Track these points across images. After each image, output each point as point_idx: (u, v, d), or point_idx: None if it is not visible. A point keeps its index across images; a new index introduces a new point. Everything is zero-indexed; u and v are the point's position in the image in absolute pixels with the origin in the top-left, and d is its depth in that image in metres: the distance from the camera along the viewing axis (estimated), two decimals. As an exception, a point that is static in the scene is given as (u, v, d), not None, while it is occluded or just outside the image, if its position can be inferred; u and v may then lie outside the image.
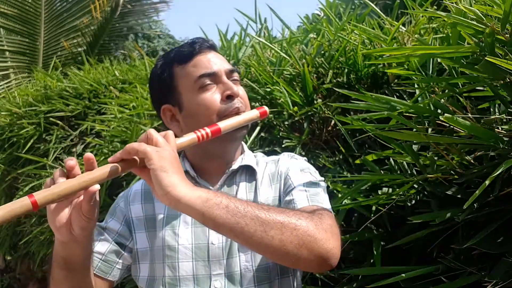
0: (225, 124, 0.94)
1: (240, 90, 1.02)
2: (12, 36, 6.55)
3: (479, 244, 0.89)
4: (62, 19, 6.51)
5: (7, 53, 6.51)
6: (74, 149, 2.64)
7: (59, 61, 4.63)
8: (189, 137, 0.88)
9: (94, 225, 0.81)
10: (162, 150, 0.79)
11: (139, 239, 1.01)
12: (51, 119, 2.71)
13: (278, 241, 0.77)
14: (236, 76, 1.04)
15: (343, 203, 1.17)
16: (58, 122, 2.69)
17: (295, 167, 1.03)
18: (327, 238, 0.81)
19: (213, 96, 0.98)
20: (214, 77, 0.99)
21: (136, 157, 0.80)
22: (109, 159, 0.79)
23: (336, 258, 0.82)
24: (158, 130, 0.85)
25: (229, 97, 0.99)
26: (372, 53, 1.35)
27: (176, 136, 0.88)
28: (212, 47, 1.04)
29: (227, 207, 0.77)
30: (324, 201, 0.95)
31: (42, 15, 6.34)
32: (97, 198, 0.79)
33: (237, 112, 0.98)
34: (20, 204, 0.68)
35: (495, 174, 0.77)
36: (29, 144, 2.66)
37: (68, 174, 0.76)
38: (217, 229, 0.79)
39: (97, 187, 0.75)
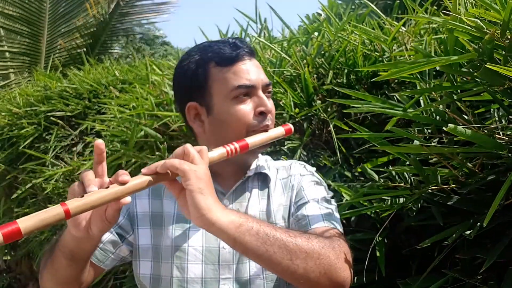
0: (253, 140, 0.94)
1: (270, 104, 1.01)
2: (17, 37, 6.59)
3: (485, 253, 0.88)
4: (65, 20, 6.54)
5: (7, 53, 6.54)
6: (74, 148, 2.64)
7: (60, 62, 4.65)
8: (219, 152, 0.88)
9: (111, 227, 0.82)
10: (199, 169, 0.78)
11: (142, 235, 1.00)
12: (51, 118, 2.71)
13: (302, 269, 0.80)
14: (270, 89, 1.03)
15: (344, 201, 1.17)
16: (59, 121, 2.69)
17: (309, 179, 1.03)
18: (345, 267, 0.84)
19: (247, 109, 0.97)
20: (251, 89, 0.98)
21: (168, 172, 0.80)
22: (143, 171, 0.79)
23: (349, 284, 0.85)
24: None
25: (262, 113, 0.98)
26: (369, 69, 1.36)
27: (194, 134, 0.90)
28: (253, 54, 1.02)
29: (257, 233, 0.79)
30: (337, 221, 0.97)
31: (46, 16, 6.37)
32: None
33: (266, 129, 0.98)
34: (54, 213, 0.68)
35: (508, 183, 0.76)
36: (28, 142, 2.66)
37: (95, 167, 0.76)
38: (245, 253, 0.80)
39: (128, 199, 0.76)
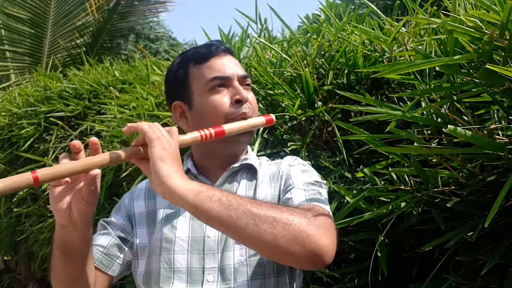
0: (229, 127, 0.96)
1: (250, 96, 1.04)
2: (19, 37, 6.62)
3: (486, 255, 0.88)
4: (67, 21, 6.57)
5: (8, 53, 6.56)
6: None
7: (61, 62, 4.65)
8: (192, 135, 0.91)
9: (93, 210, 0.84)
10: (165, 140, 0.82)
11: (139, 235, 1.03)
12: (51, 119, 2.71)
13: (270, 235, 0.77)
14: (248, 81, 1.06)
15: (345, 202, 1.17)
16: (58, 122, 2.68)
17: (297, 168, 1.04)
18: (320, 234, 0.80)
19: (223, 98, 1.01)
20: (226, 80, 1.02)
21: (140, 148, 0.84)
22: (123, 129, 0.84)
23: (330, 255, 0.81)
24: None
25: (238, 102, 1.01)
26: (369, 70, 1.36)
27: (183, 132, 0.91)
28: (228, 51, 1.07)
29: (219, 200, 0.79)
30: (322, 201, 0.95)
31: (50, 17, 6.41)
32: (98, 184, 0.82)
33: (244, 117, 1.01)
34: (22, 178, 0.71)
35: (509, 184, 0.75)
36: (29, 143, 2.66)
37: (73, 157, 0.79)
38: (209, 222, 0.80)
39: (97, 171, 0.79)
